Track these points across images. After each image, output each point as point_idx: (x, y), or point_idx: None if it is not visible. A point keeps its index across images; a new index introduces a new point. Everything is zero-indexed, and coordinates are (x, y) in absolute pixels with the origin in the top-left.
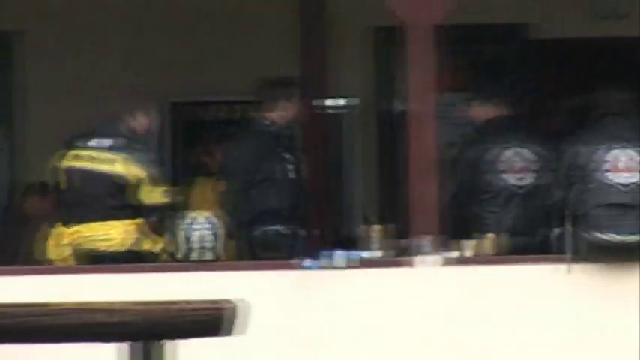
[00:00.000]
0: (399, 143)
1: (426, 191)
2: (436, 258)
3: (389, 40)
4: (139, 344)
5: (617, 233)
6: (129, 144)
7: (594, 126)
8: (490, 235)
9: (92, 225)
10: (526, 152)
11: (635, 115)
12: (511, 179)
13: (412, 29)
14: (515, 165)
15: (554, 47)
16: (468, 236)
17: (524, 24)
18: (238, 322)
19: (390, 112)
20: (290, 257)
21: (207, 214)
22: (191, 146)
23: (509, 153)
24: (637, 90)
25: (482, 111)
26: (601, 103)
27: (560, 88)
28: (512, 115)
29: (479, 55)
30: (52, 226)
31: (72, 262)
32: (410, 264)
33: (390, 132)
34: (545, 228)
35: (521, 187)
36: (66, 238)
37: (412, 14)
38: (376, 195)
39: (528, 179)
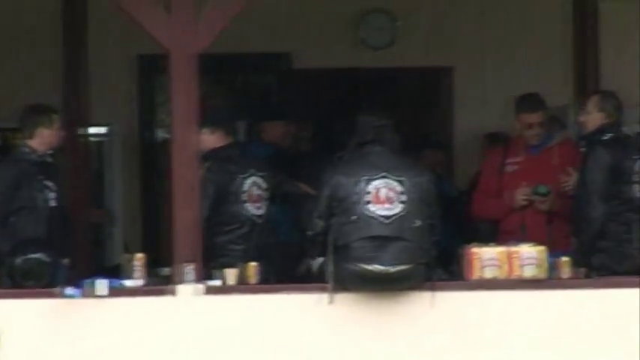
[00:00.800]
0: (162, 171)
1: (188, 219)
2: (199, 286)
3: (152, 68)
4: None
5: (380, 264)
6: None
7: (354, 156)
8: (252, 264)
9: None
10: (260, 181)
11: (393, 143)
12: (252, 209)
13: (176, 57)
14: (254, 194)
15: (318, 76)
16: (222, 265)
17: (288, 53)
18: None
19: (153, 140)
20: (52, 285)
21: None
22: None
23: (249, 182)
24: (395, 117)
25: (213, 139)
26: (359, 131)
27: (320, 116)
28: (246, 143)
29: (241, 84)
30: None
31: None
32: (172, 292)
33: (153, 160)
34: (293, 258)
35: (259, 217)
36: None
37: (176, 43)
38: (139, 223)
39: (263, 208)
